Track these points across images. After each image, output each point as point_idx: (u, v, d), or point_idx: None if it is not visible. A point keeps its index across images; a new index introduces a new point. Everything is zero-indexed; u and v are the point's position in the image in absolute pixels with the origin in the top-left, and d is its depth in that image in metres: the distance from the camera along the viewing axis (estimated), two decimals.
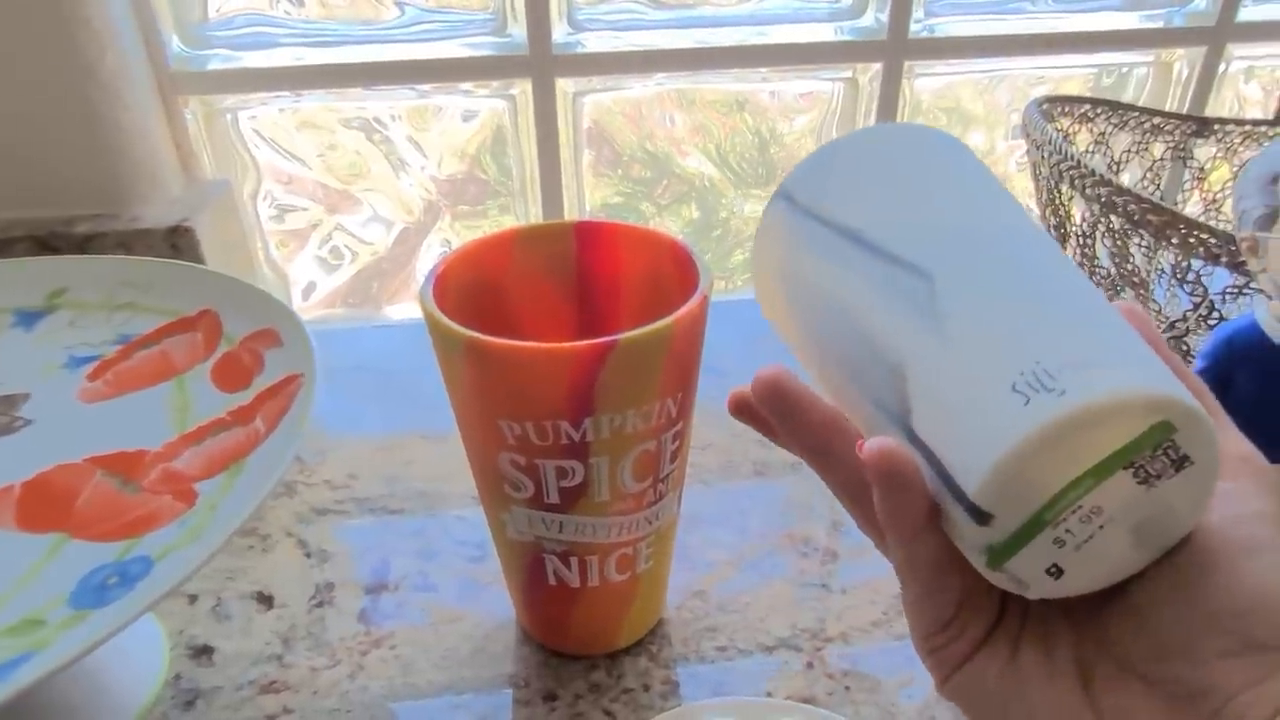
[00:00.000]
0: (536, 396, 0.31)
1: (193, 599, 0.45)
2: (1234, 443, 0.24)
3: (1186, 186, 0.68)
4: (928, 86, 0.73)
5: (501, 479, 0.35)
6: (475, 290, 0.38)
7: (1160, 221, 0.45)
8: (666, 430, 0.34)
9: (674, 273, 0.37)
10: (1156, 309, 0.50)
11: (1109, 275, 0.53)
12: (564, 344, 0.30)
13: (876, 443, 0.21)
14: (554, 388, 0.31)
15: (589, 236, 0.40)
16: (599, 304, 0.41)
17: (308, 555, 0.48)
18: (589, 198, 0.72)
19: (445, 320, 0.32)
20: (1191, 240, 0.44)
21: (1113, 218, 0.48)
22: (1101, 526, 0.20)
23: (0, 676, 0.26)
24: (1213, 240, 0.44)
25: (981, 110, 0.78)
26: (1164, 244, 0.46)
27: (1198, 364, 0.41)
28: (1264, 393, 0.38)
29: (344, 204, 0.71)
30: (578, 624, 0.40)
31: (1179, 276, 0.47)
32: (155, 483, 0.34)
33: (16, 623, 0.28)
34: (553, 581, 0.38)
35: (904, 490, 0.21)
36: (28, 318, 0.44)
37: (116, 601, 0.28)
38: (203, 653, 0.42)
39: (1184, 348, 0.50)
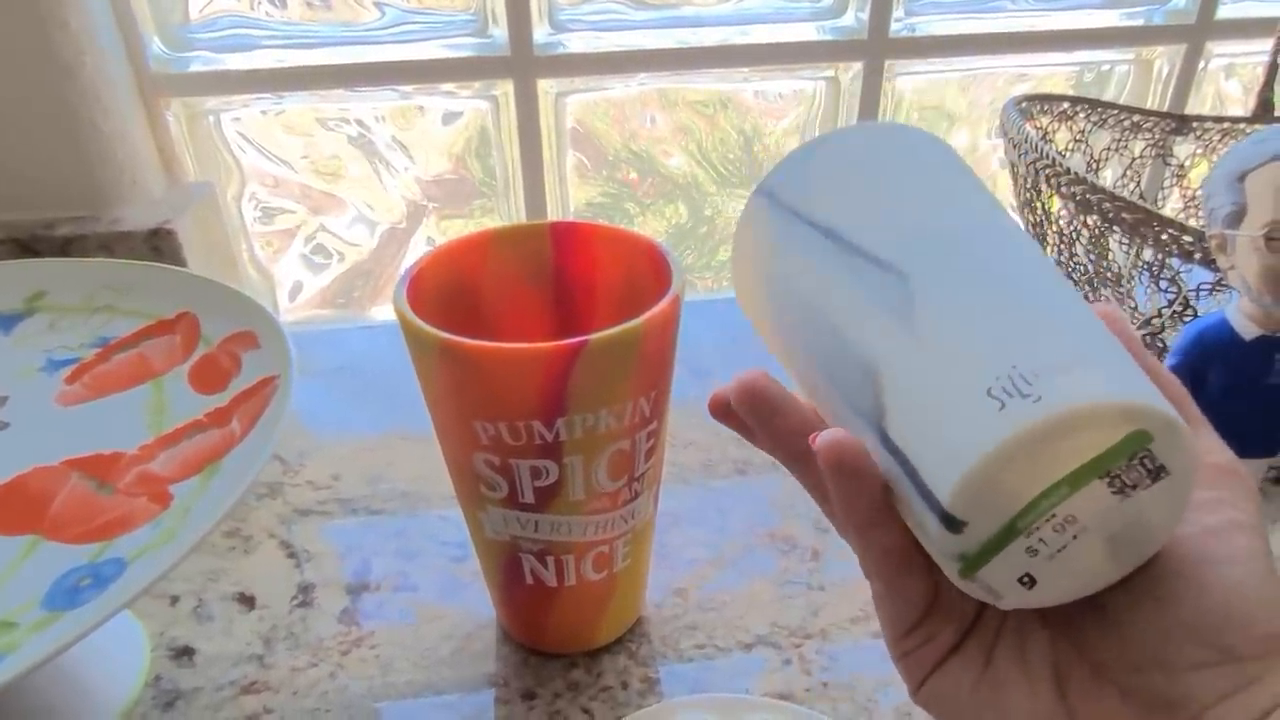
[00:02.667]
0: (509, 397, 0.32)
1: (174, 600, 0.45)
2: (1214, 451, 0.24)
3: (1167, 184, 0.68)
4: (909, 85, 0.74)
5: (477, 479, 0.35)
6: (451, 292, 0.38)
7: (1134, 220, 0.46)
8: (640, 429, 0.35)
9: (649, 273, 0.37)
10: (1133, 306, 0.50)
11: (1087, 273, 0.53)
12: (535, 345, 0.30)
13: (828, 434, 0.22)
14: (526, 388, 0.31)
15: (565, 237, 0.40)
16: (576, 304, 0.41)
17: (290, 556, 0.48)
18: (573, 197, 0.72)
19: (418, 322, 0.32)
20: (1165, 238, 0.45)
21: (1089, 216, 0.48)
22: (1075, 536, 0.20)
23: None
24: (1186, 238, 0.44)
25: (965, 108, 0.78)
26: (1139, 242, 0.46)
27: (1170, 360, 0.42)
28: (1233, 387, 0.39)
29: (328, 205, 0.71)
30: (556, 623, 0.40)
31: (1155, 274, 0.47)
32: (131, 485, 0.34)
33: None
34: (530, 581, 0.38)
35: (854, 477, 0.21)
36: (6, 321, 0.44)
37: (88, 603, 0.28)
38: (184, 654, 0.43)
39: (1160, 344, 0.50)
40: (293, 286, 0.74)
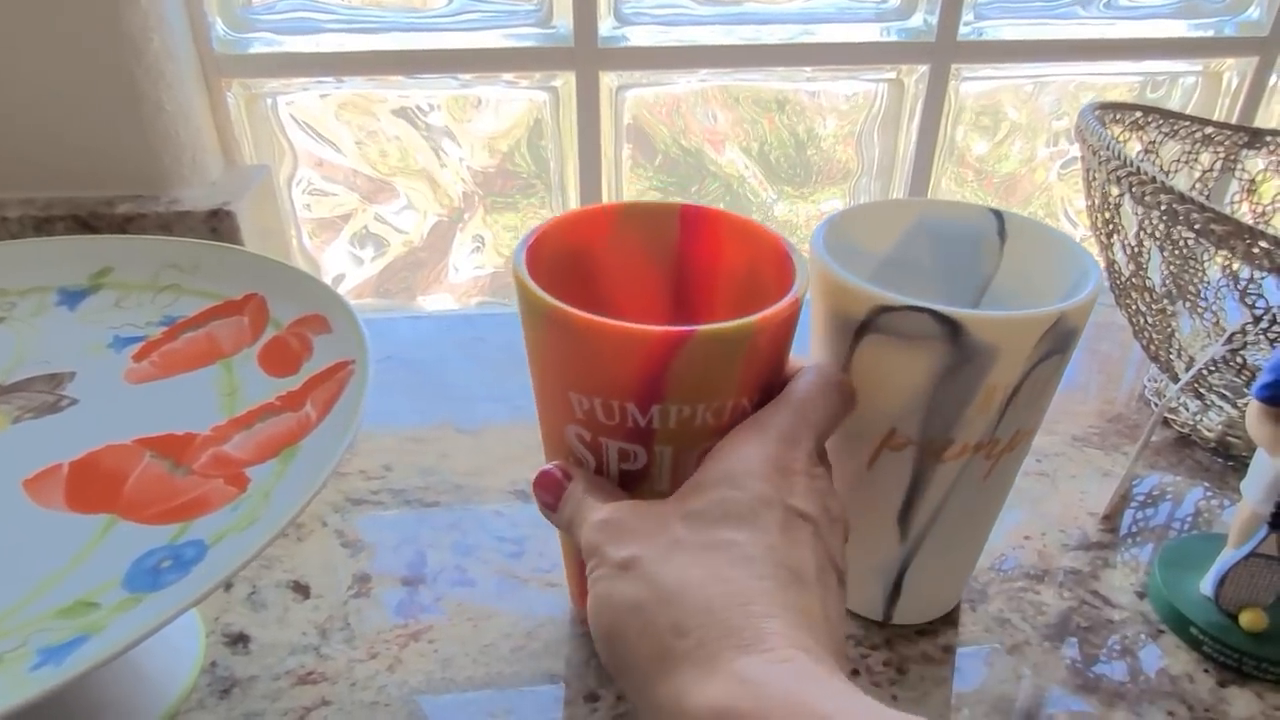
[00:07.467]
0: (605, 374, 0.31)
1: (228, 586, 0.45)
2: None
3: (1235, 198, 0.67)
4: (971, 90, 0.72)
5: (569, 452, 0.34)
6: (569, 259, 0.37)
7: (1224, 232, 0.44)
8: None
9: (771, 269, 0.36)
10: (1214, 320, 0.49)
11: (1164, 284, 0.52)
12: (639, 326, 0.29)
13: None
14: (624, 369, 0.30)
15: (693, 220, 0.39)
16: (696, 290, 0.40)
17: (344, 545, 0.48)
18: (625, 192, 0.71)
19: (532, 286, 0.31)
20: (1256, 251, 0.44)
21: (1175, 227, 0.47)
22: None
23: (55, 659, 0.25)
24: (1278, 251, 0.43)
25: (1024, 118, 0.77)
26: (1228, 255, 0.45)
27: (1265, 377, 0.40)
28: None
29: (379, 193, 0.70)
30: None
31: (1242, 289, 0.46)
32: (206, 466, 0.33)
33: (69, 604, 0.27)
34: None
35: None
36: (72, 296, 0.43)
37: (172, 585, 0.27)
38: (239, 640, 0.42)
39: (1240, 360, 0.49)
40: (339, 274, 0.74)
